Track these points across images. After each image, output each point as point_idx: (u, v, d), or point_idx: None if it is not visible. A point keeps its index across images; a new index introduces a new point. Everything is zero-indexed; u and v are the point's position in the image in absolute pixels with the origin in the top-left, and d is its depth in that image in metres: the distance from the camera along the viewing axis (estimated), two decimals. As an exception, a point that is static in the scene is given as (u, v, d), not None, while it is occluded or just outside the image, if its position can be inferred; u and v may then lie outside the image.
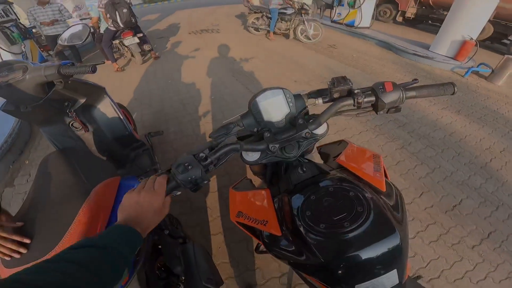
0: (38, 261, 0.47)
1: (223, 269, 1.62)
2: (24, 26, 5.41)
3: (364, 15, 6.90)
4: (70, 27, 1.65)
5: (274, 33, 6.47)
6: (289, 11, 6.07)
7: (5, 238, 0.78)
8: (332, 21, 7.88)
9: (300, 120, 0.74)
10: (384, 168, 0.78)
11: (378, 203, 0.62)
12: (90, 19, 5.63)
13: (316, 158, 1.01)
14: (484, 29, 5.39)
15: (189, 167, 0.61)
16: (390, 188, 0.72)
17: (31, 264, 0.42)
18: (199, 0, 17.61)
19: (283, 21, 6.26)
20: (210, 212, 1.95)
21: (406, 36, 6.55)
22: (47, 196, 0.97)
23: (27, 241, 0.80)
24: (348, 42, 6.38)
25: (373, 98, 0.70)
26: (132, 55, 4.96)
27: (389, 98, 0.68)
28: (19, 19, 5.50)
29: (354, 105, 0.71)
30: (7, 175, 2.46)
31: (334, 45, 6.02)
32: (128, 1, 4.45)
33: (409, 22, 8.97)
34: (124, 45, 4.68)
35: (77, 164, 1.14)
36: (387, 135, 2.75)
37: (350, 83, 0.74)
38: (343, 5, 7.32)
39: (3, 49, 4.69)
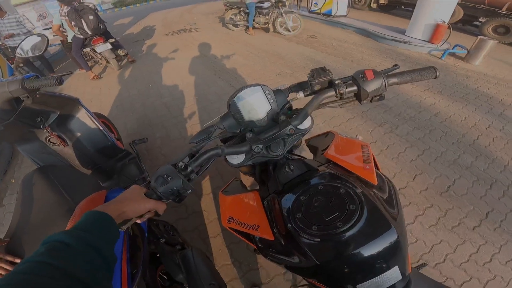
0: None
1: (226, 271, 1.59)
2: None
3: (340, 4, 6.96)
4: (25, 38, 1.60)
5: (253, 27, 6.40)
6: (266, 5, 6.01)
7: None
8: (310, 12, 7.90)
9: (282, 116, 0.72)
10: (374, 158, 0.76)
11: (371, 198, 0.59)
12: (51, 27, 5.41)
13: (304, 152, 0.98)
14: (454, 12, 5.56)
15: (169, 178, 0.57)
16: (381, 180, 0.70)
17: None
18: (173, 0, 17.20)
19: (261, 15, 6.19)
20: (206, 215, 1.91)
21: (382, 22, 6.66)
22: (32, 217, 0.95)
23: (18, 260, 0.81)
24: (327, 31, 6.42)
25: (355, 88, 0.69)
26: (108, 62, 4.74)
27: (372, 86, 0.67)
28: None
29: (336, 96, 0.70)
30: None
31: (313, 35, 6.04)
32: (93, 7, 4.26)
33: (383, 8, 9.15)
34: (97, 52, 4.47)
35: (58, 181, 1.10)
36: (374, 120, 2.78)
37: (330, 73, 0.72)
38: (319, -5, 7.35)
39: None
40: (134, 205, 0.56)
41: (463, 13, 6.67)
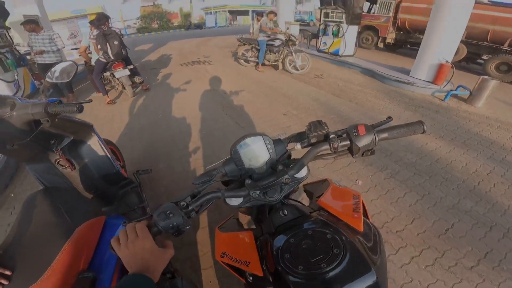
0: None
1: (215, 303, 1.55)
2: (19, 52, 5.33)
3: (348, 43, 7.30)
4: (58, 63, 1.67)
5: (263, 64, 6.71)
6: (277, 43, 6.35)
7: None
8: (318, 51, 8.29)
9: (280, 166, 0.77)
10: (364, 206, 0.82)
11: (355, 244, 0.64)
12: (79, 48, 5.64)
13: (301, 196, 1.02)
14: (458, 50, 5.69)
15: (171, 214, 0.62)
16: (368, 228, 0.75)
17: None
18: (190, 32, 18.33)
19: (271, 53, 6.52)
20: (200, 247, 1.92)
21: (388, 61, 6.91)
22: (30, 234, 0.98)
23: (8, 273, 0.83)
24: (333, 71, 6.67)
25: (348, 142, 0.72)
26: (123, 87, 4.95)
27: (363, 141, 0.70)
28: (14, 45, 5.41)
29: (330, 150, 0.73)
30: None
31: (320, 75, 6.28)
32: (119, 33, 4.53)
33: (389, 48, 9.51)
34: (115, 77, 4.70)
35: (61, 203, 1.15)
36: (375, 165, 2.80)
37: (326, 127, 0.77)
38: (327, 35, 7.75)
39: None
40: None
41: (467, 51, 6.82)
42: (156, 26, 30.99)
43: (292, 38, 6.06)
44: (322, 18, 7.89)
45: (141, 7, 33.59)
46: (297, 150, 0.83)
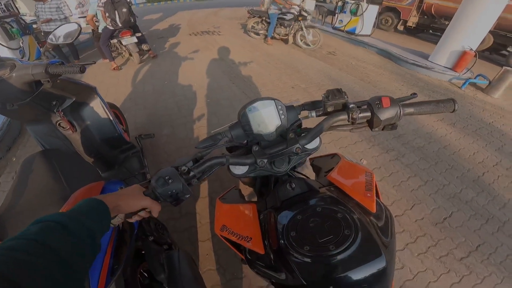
0: None
1: (209, 276, 1.59)
2: (25, 21, 5.32)
3: (366, 23, 6.93)
4: (61, 25, 1.63)
5: (273, 37, 6.47)
6: (288, 17, 6.07)
7: None
8: (334, 28, 7.91)
9: (291, 134, 0.71)
10: (376, 187, 0.76)
11: (366, 226, 0.60)
12: (86, 16, 5.57)
13: (307, 170, 0.98)
14: (484, 39, 5.41)
15: (170, 180, 0.58)
16: (380, 209, 0.70)
17: None
18: (201, 2, 17.66)
19: (282, 27, 6.26)
20: (199, 218, 1.92)
21: (406, 45, 6.58)
22: (25, 199, 0.94)
23: None
24: (347, 49, 6.40)
25: (368, 114, 0.67)
26: (130, 55, 4.93)
27: (386, 114, 0.64)
28: (20, 14, 5.40)
29: (348, 121, 0.68)
30: None
31: (333, 52, 6.04)
32: (128, 1, 4.42)
33: (410, 31, 9.03)
34: (122, 44, 4.65)
35: (60, 167, 1.12)
36: (381, 145, 2.73)
37: (345, 96, 0.71)
38: (345, 12, 7.35)
39: (1, 44, 4.63)
40: (130, 200, 0.58)
41: (493, 41, 6.49)
42: (166, -5, 29.80)
43: (304, 13, 5.76)
44: None
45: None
46: (310, 118, 0.77)
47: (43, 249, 0.36)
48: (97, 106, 1.65)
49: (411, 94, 0.74)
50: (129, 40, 4.54)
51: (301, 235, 0.60)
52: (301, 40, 6.20)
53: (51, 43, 1.55)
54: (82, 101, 1.59)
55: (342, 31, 7.50)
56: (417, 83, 4.56)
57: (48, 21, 4.59)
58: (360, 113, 0.66)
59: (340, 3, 7.44)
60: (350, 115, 0.66)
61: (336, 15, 7.76)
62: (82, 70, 1.17)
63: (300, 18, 5.81)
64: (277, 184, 0.81)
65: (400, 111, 0.64)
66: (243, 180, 1.11)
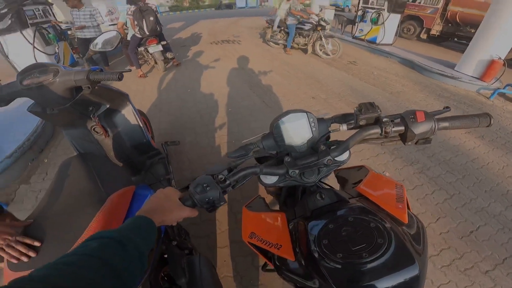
0: None
1: (226, 283, 1.60)
2: (60, 27, 5.53)
3: (387, 32, 6.83)
4: (103, 33, 1.67)
5: (292, 47, 6.52)
6: (307, 27, 6.11)
7: (15, 240, 0.76)
8: (354, 37, 7.85)
9: (322, 146, 0.73)
10: (406, 199, 0.75)
11: (399, 234, 0.60)
12: (117, 24, 5.78)
13: (332, 182, 0.99)
14: None
15: (208, 188, 0.61)
16: (412, 220, 0.70)
17: None
18: (221, 11, 18.11)
19: (301, 36, 6.30)
20: (218, 224, 1.95)
21: (430, 54, 6.39)
22: (63, 200, 0.97)
23: (37, 244, 0.78)
24: (368, 59, 6.32)
25: (402, 128, 0.67)
26: (155, 62, 5.12)
27: (420, 128, 0.64)
28: (57, 21, 5.57)
29: (381, 134, 0.68)
30: (24, 172, 2.54)
31: (354, 61, 5.98)
32: (155, 10, 4.60)
33: (433, 40, 8.79)
34: (149, 52, 4.85)
35: (95, 170, 1.15)
36: (405, 158, 2.66)
37: (378, 110, 0.71)
38: (365, 22, 7.29)
39: (38, 50, 4.85)
40: (173, 215, 0.60)
41: None
42: (187, 4, 30.94)
43: (322, 22, 5.76)
44: (361, 4, 7.41)
45: (173, -15, 33.58)
46: (341, 131, 0.77)
47: (102, 265, 0.38)
48: (128, 113, 1.71)
49: (444, 108, 0.73)
50: (155, 48, 4.71)
51: (334, 243, 0.61)
52: (321, 50, 6.19)
53: (94, 49, 1.59)
54: (115, 108, 1.66)
55: (363, 40, 7.42)
56: (442, 93, 4.41)
57: (82, 27, 4.81)
58: (393, 127, 0.66)
59: (360, 12, 7.40)
60: (383, 128, 0.66)
61: (356, 24, 7.71)
62: (120, 77, 1.20)
63: (319, 28, 5.82)
64: (304, 194, 0.82)
65: (434, 126, 0.64)
66: (270, 189, 1.13)
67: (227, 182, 0.64)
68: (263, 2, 32.94)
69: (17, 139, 2.73)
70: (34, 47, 4.77)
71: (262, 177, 0.76)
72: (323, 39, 5.92)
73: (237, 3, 30.03)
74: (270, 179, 0.76)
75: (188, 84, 4.55)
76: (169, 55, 5.11)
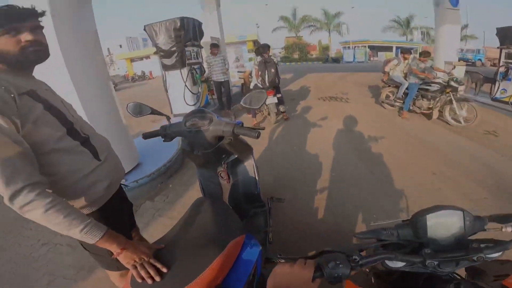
0: None
1: None
2: (205, 69, 6.35)
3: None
4: (253, 91, 1.90)
5: (409, 111, 5.78)
6: (433, 88, 5.38)
7: (148, 262, 0.85)
8: (493, 99, 6.55)
9: (474, 243, 0.68)
10: None
11: None
12: (244, 72, 6.44)
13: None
14: None
15: (340, 265, 0.65)
16: None
17: None
18: (328, 65, 18.76)
19: (424, 99, 5.50)
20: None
21: None
22: (190, 237, 1.06)
23: (164, 270, 0.84)
24: (515, 128, 5.00)
25: None
26: (268, 113, 5.45)
27: None
28: (202, 63, 6.43)
29: None
30: (153, 191, 3.17)
31: (494, 131, 4.81)
32: (276, 62, 4.98)
33: None
34: (265, 103, 5.30)
35: (221, 215, 1.27)
36: None
37: None
38: (509, 80, 6.01)
39: (187, 88, 5.60)
40: None
41: None
42: (297, 56, 34.02)
43: (453, 83, 4.94)
44: (503, 60, 6.27)
45: (286, 37, 37.90)
46: (501, 232, 0.71)
47: None
48: (249, 165, 1.90)
49: None
50: (271, 100, 5.04)
51: None
52: (450, 115, 5.17)
53: (244, 105, 1.77)
54: (241, 159, 1.87)
55: (506, 103, 6.06)
56: None
57: (226, 71, 5.62)
58: None
59: (503, 69, 6.20)
60: None
61: (497, 83, 6.46)
62: (258, 136, 1.30)
63: (448, 90, 4.99)
64: (432, 283, 0.75)
65: None
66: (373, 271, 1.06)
67: (360, 263, 0.67)
68: (372, 57, 32.55)
69: (157, 163, 3.54)
70: (185, 85, 5.55)
71: (390, 262, 0.74)
72: (454, 103, 4.93)
73: (345, 57, 30.82)
74: (396, 264, 0.73)
75: (294, 141, 4.70)
76: (281, 108, 5.40)
